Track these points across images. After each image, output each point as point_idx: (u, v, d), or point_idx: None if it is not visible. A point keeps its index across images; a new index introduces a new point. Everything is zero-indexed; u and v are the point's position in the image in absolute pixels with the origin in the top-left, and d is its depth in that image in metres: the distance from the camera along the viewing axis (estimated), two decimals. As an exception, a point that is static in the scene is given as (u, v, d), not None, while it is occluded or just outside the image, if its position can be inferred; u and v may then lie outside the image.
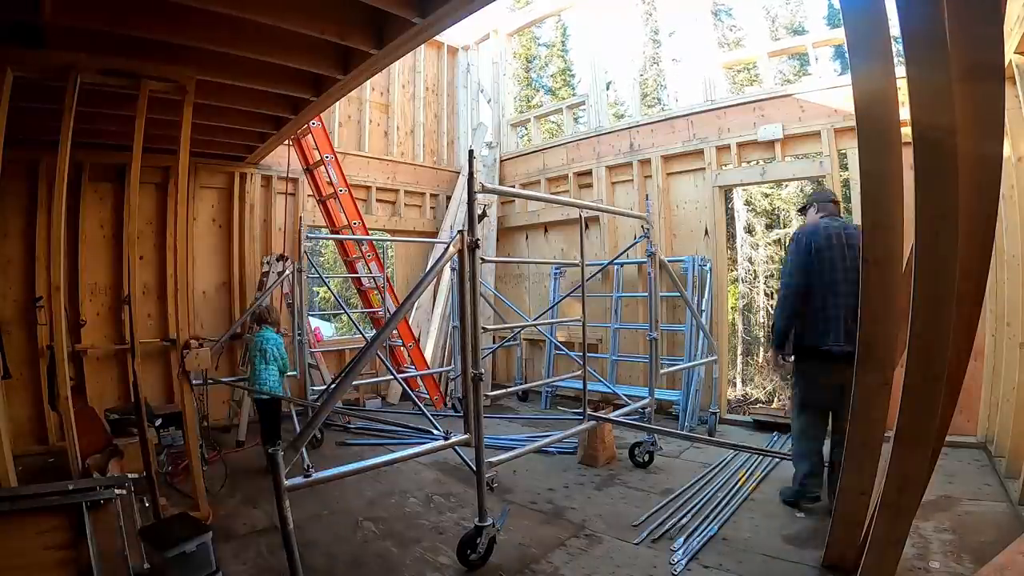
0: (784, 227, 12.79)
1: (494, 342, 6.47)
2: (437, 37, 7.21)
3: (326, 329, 11.12)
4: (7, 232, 4.38)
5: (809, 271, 3.05)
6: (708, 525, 2.94)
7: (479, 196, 2.69)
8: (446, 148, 7.87)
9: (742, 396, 11.06)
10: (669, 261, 5.29)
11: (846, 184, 5.43)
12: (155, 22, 2.85)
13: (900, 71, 1.87)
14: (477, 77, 8.02)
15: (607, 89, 7.96)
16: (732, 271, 11.55)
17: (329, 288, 5.88)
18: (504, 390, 4.08)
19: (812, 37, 5.47)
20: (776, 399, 11.49)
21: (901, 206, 2.05)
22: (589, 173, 6.47)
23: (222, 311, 5.59)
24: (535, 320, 5.75)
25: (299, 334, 4.90)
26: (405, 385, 4.21)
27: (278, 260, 5.35)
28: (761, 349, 12.84)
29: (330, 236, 6.12)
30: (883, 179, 2.06)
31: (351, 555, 2.76)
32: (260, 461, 4.12)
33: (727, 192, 6.54)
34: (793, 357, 3.21)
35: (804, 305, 3.09)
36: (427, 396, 5.83)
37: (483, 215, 2.73)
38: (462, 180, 7.43)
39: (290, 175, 5.83)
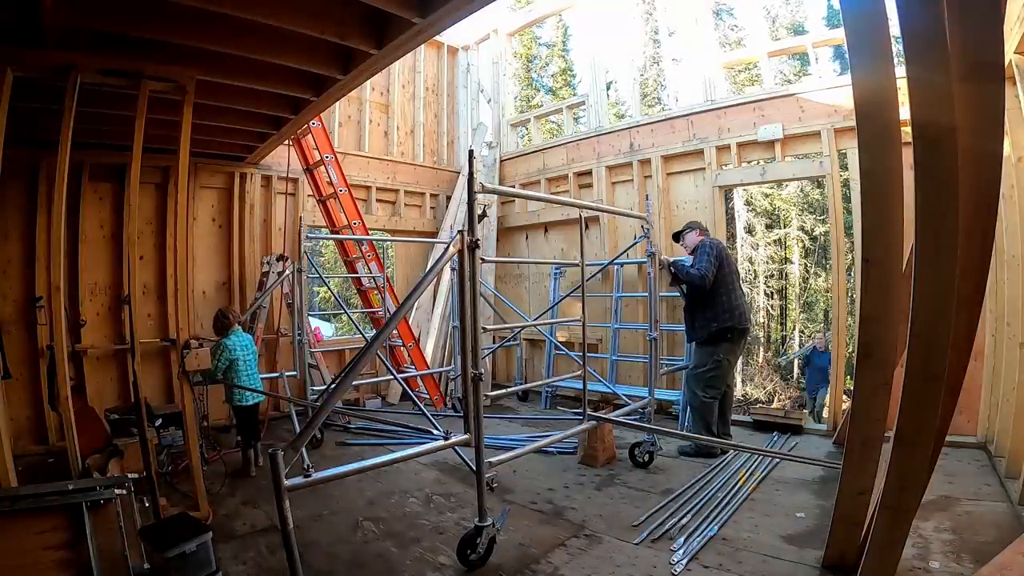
0: (784, 227, 12.81)
1: (494, 342, 6.47)
2: (437, 37, 7.21)
3: (326, 329, 11.13)
4: (7, 232, 4.38)
5: (719, 268, 4.16)
6: (708, 525, 2.94)
7: (479, 196, 2.69)
8: (446, 148, 7.87)
9: (742, 396, 11.07)
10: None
11: (846, 184, 5.43)
12: (155, 22, 2.85)
13: (900, 71, 1.87)
14: (477, 77, 8.02)
15: (607, 89, 7.97)
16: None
17: (329, 288, 5.89)
18: (504, 390, 4.08)
19: (812, 37, 5.47)
20: (776, 399, 11.50)
21: (901, 206, 2.05)
22: (589, 173, 6.47)
23: (222, 311, 5.59)
24: (535, 320, 5.75)
25: (299, 334, 4.91)
26: (405, 385, 4.20)
27: (278, 260, 5.36)
28: (761, 349, 12.85)
29: (330, 236, 6.12)
30: (883, 179, 2.06)
31: (351, 555, 2.76)
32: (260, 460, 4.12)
33: (727, 192, 6.54)
34: (708, 349, 4.23)
35: (710, 297, 4.16)
36: (427, 396, 5.83)
37: (483, 215, 2.73)
38: (462, 180, 7.43)
39: (290, 175, 5.83)
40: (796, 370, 11.80)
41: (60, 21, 2.63)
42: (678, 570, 2.50)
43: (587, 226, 6.19)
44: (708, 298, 4.18)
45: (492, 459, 2.82)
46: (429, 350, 6.41)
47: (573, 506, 3.33)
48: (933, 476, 2.15)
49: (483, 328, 2.99)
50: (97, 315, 4.84)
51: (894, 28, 1.93)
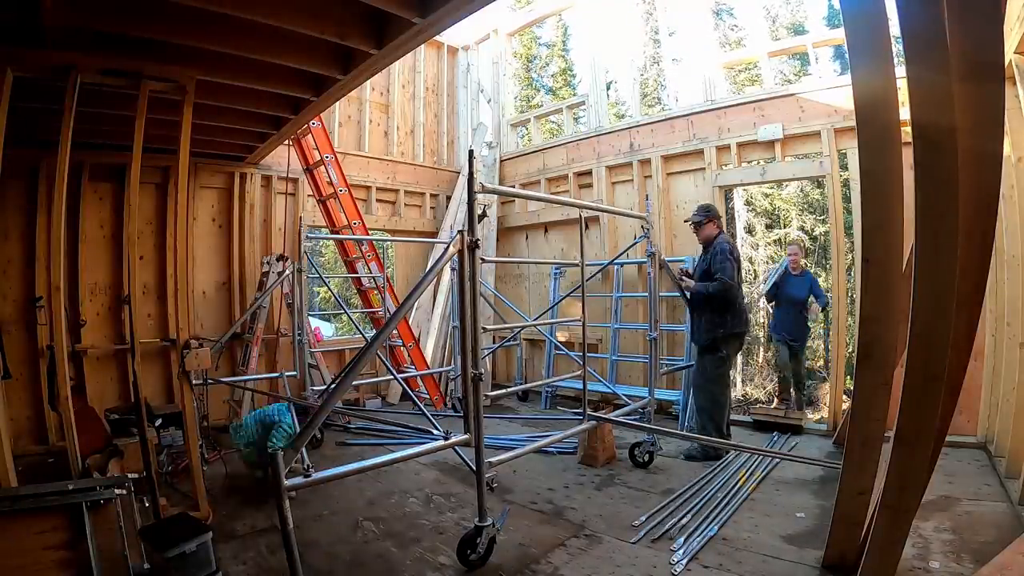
0: (784, 227, 12.79)
1: (494, 342, 6.46)
2: (437, 37, 7.21)
3: (326, 329, 11.11)
4: (7, 232, 4.38)
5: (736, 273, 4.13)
6: (708, 525, 2.94)
7: (479, 196, 2.69)
8: (446, 148, 7.86)
9: (742, 396, 11.05)
10: (669, 261, 5.28)
11: (846, 184, 5.42)
12: (155, 22, 2.85)
13: (900, 71, 1.87)
14: (477, 77, 8.02)
15: (607, 89, 7.96)
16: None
17: (329, 288, 5.89)
18: (504, 390, 4.08)
19: (812, 37, 5.47)
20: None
21: (901, 206, 2.05)
22: (589, 173, 6.47)
23: (222, 311, 5.59)
24: (535, 320, 5.75)
25: (299, 334, 4.90)
26: (405, 385, 4.20)
27: (278, 260, 5.35)
28: (761, 349, 12.82)
29: (330, 236, 6.12)
30: (883, 179, 2.06)
31: (351, 555, 2.76)
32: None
33: (727, 192, 6.54)
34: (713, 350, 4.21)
35: (724, 299, 4.09)
36: (427, 396, 5.83)
37: (483, 215, 2.73)
38: (462, 180, 7.43)
39: (290, 175, 5.83)
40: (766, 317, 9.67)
41: (60, 21, 2.62)
42: (678, 570, 2.50)
43: (587, 226, 6.19)
44: (720, 302, 4.09)
45: (492, 459, 2.82)
46: (429, 350, 6.41)
47: (573, 506, 3.33)
48: (933, 476, 2.15)
49: (483, 328, 2.99)
50: (97, 315, 4.84)
51: (894, 28, 1.93)
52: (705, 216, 4.31)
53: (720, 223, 4.40)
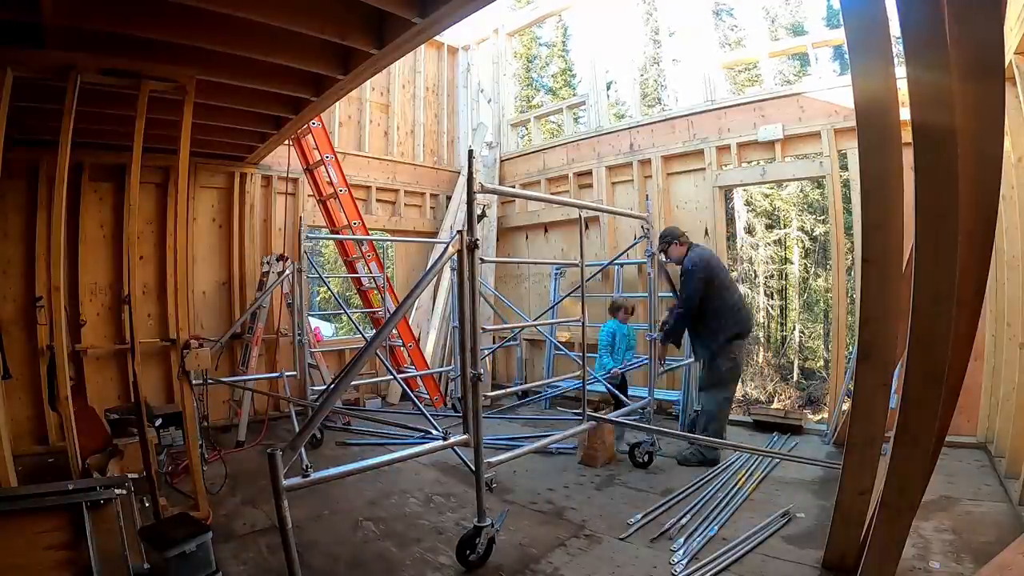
0: (784, 227, 12.79)
1: (494, 342, 6.46)
2: (437, 37, 7.21)
3: (326, 329, 11.11)
4: (7, 232, 4.38)
5: (707, 292, 4.06)
6: (708, 525, 2.94)
7: (479, 196, 2.69)
8: (446, 148, 7.86)
9: (742, 396, 11.05)
10: (668, 262, 5.27)
11: (846, 184, 5.42)
12: (155, 22, 2.85)
13: (900, 71, 1.87)
14: (477, 77, 8.02)
15: (607, 89, 7.96)
16: (732, 271, 11.52)
17: (329, 288, 5.89)
18: (504, 390, 4.08)
19: (812, 37, 5.47)
20: (776, 399, 11.49)
21: (901, 206, 2.05)
22: (589, 173, 6.47)
23: (222, 311, 5.59)
24: (535, 320, 5.75)
25: (299, 334, 4.91)
26: (405, 385, 4.20)
27: (278, 260, 5.35)
28: (761, 349, 12.83)
29: (330, 236, 6.12)
30: (883, 179, 2.06)
31: (351, 555, 2.76)
32: (260, 461, 4.11)
33: (727, 192, 6.54)
34: (710, 351, 4.14)
35: (712, 309, 4.09)
36: (427, 396, 5.82)
37: (482, 215, 2.75)
38: (462, 180, 7.42)
39: (290, 175, 5.83)
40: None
41: (60, 21, 2.62)
42: (678, 570, 2.50)
43: (587, 226, 6.19)
44: (708, 312, 4.09)
45: (492, 459, 2.83)
46: (429, 350, 6.40)
47: (573, 506, 3.33)
48: (933, 476, 2.15)
49: (483, 328, 2.99)
50: (97, 315, 4.84)
51: (894, 28, 1.93)
52: (664, 242, 4.34)
53: (684, 239, 4.32)
